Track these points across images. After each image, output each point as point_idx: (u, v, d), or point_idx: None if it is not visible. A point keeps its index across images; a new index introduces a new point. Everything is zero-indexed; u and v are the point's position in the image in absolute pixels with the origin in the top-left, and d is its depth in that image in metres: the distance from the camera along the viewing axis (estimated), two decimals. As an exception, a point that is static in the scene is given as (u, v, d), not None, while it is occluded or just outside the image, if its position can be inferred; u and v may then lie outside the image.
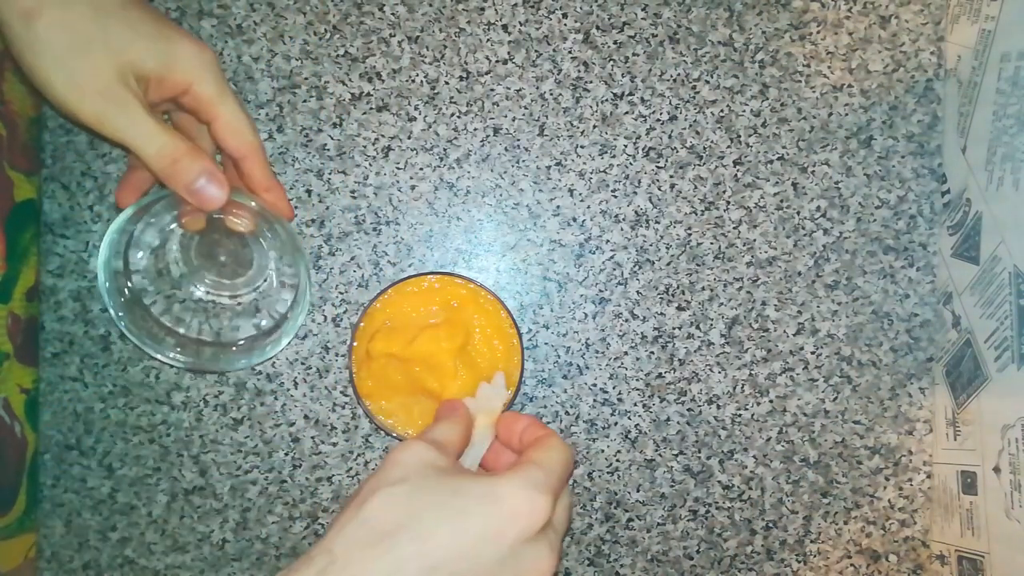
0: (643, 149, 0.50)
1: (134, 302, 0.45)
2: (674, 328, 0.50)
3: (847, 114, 0.50)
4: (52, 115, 0.48)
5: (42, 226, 0.49)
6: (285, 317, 0.46)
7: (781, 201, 0.50)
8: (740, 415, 0.50)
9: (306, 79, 0.49)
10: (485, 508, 0.31)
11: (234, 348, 0.46)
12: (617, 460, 0.50)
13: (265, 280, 0.47)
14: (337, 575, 0.28)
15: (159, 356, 0.45)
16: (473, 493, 0.31)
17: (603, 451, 0.50)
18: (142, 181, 0.44)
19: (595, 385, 0.50)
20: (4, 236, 0.45)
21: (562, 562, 0.50)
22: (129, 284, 0.45)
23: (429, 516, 0.30)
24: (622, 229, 0.50)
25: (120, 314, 0.44)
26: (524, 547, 0.31)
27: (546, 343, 0.50)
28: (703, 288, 0.50)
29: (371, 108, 0.49)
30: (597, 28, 0.49)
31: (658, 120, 0.50)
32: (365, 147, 0.49)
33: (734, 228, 0.50)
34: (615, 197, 0.50)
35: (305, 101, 0.49)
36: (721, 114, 0.50)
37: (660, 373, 0.50)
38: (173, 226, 0.45)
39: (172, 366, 0.47)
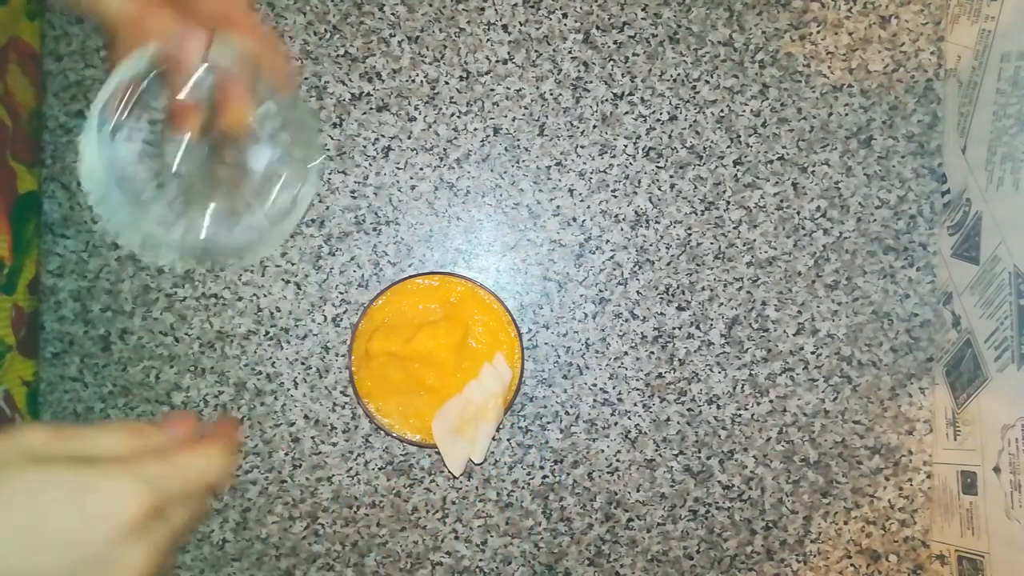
0: (643, 149, 0.50)
1: (129, 203, 0.43)
2: (674, 328, 0.50)
3: (847, 114, 0.50)
4: (52, 115, 0.48)
5: (42, 226, 0.49)
6: (294, 203, 0.44)
7: (781, 201, 0.50)
8: (740, 415, 0.50)
9: (306, 79, 0.49)
10: (68, 507, 0.28)
11: (236, 234, 0.45)
12: (617, 460, 0.50)
13: (269, 176, 0.45)
14: None
15: (160, 259, 0.43)
16: (63, 487, 0.28)
17: (603, 451, 0.50)
18: None
19: (595, 385, 0.50)
20: (9, 227, 0.45)
21: (562, 562, 0.50)
22: (123, 181, 0.43)
23: (7, 511, 0.27)
24: (622, 229, 0.50)
25: (113, 218, 0.42)
26: (114, 549, 0.28)
27: (546, 343, 0.50)
28: (703, 288, 0.50)
29: (371, 108, 0.49)
30: (597, 28, 0.49)
31: (658, 120, 0.50)
32: (365, 147, 0.49)
33: (734, 228, 0.50)
34: (615, 197, 0.50)
35: (305, 101, 0.49)
36: (721, 114, 0.50)
37: (660, 373, 0.50)
38: (165, 124, 0.43)
39: (175, 268, 0.47)
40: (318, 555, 0.49)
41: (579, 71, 0.49)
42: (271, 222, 0.43)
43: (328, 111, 0.49)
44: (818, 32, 0.50)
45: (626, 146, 0.50)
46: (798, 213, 0.50)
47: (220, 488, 0.35)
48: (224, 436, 0.35)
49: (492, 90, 0.49)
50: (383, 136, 0.49)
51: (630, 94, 0.50)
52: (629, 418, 0.50)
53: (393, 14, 0.49)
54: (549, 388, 0.50)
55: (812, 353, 0.50)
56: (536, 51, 0.49)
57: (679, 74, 0.50)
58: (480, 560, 0.50)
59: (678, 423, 0.50)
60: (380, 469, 0.49)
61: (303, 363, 0.49)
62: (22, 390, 0.47)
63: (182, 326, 0.49)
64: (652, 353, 0.50)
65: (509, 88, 0.49)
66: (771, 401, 0.50)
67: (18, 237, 0.46)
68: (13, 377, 0.46)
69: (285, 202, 0.43)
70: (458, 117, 0.49)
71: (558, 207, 0.50)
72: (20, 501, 0.27)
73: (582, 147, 0.50)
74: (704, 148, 0.50)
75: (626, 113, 0.50)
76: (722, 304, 0.50)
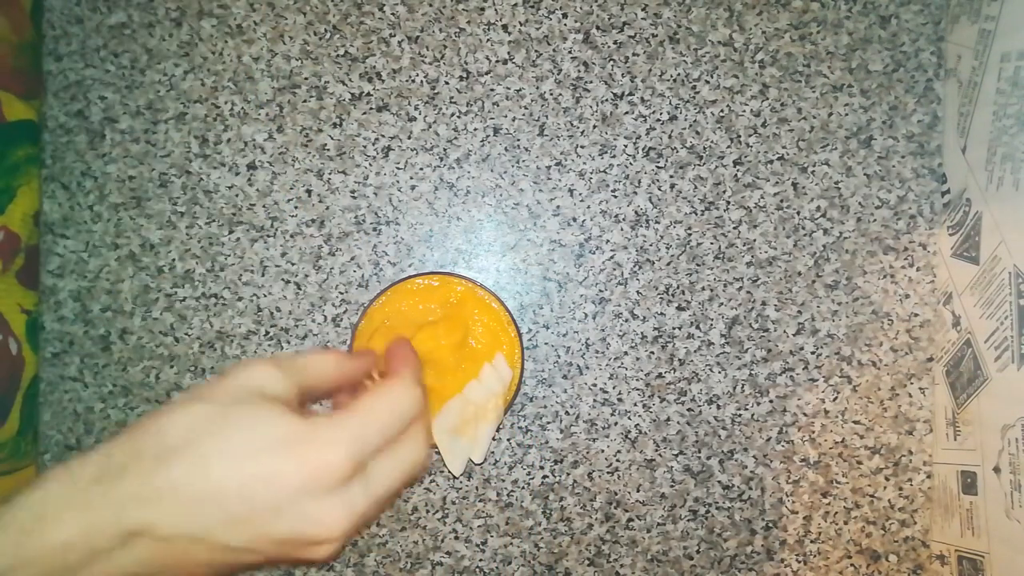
0: (643, 149, 0.50)
1: None
2: (674, 328, 0.50)
3: (847, 114, 0.50)
4: (52, 115, 0.48)
5: (42, 226, 0.49)
6: None
7: (781, 201, 0.50)
8: (740, 415, 0.50)
9: (306, 79, 0.49)
10: (273, 450, 0.28)
11: None
12: (617, 460, 0.50)
13: None
14: (110, 483, 0.27)
15: None
16: (271, 433, 0.29)
17: (603, 451, 0.50)
18: None
19: (595, 385, 0.50)
20: None
21: (562, 562, 0.50)
22: None
23: (216, 442, 0.28)
24: (622, 229, 0.50)
25: None
26: (310, 500, 0.29)
27: (546, 343, 0.50)
28: (703, 288, 0.50)
29: (371, 108, 0.49)
30: (597, 28, 0.49)
31: (658, 120, 0.50)
32: (365, 147, 0.49)
33: (734, 228, 0.50)
34: (615, 197, 0.50)
35: (305, 101, 0.49)
36: (721, 114, 0.50)
37: (660, 373, 0.50)
38: None
39: None
40: (318, 555, 0.49)
41: (579, 71, 0.49)
42: None
43: (328, 111, 0.49)
44: (818, 32, 0.50)
45: (626, 146, 0.50)
46: (798, 213, 0.50)
47: (422, 443, 0.33)
48: (400, 365, 0.35)
49: (492, 90, 0.49)
50: (383, 136, 0.49)
51: (630, 94, 0.50)
52: (629, 418, 0.50)
53: (393, 14, 0.49)
54: (549, 388, 0.50)
55: (812, 353, 0.50)
56: (536, 51, 0.49)
57: (679, 74, 0.50)
58: (480, 560, 0.50)
59: (678, 423, 0.50)
60: (380, 469, 0.49)
61: (303, 363, 0.49)
62: (20, 317, 0.47)
63: (182, 326, 0.49)
64: (652, 353, 0.50)
65: (509, 88, 0.49)
66: (771, 401, 0.50)
67: (2, 160, 0.46)
68: (10, 303, 0.46)
69: None
70: (458, 117, 0.49)
71: (558, 207, 0.50)
72: (241, 435, 0.29)
73: (582, 147, 0.50)
74: (704, 148, 0.50)
75: (626, 113, 0.50)
76: (722, 304, 0.50)
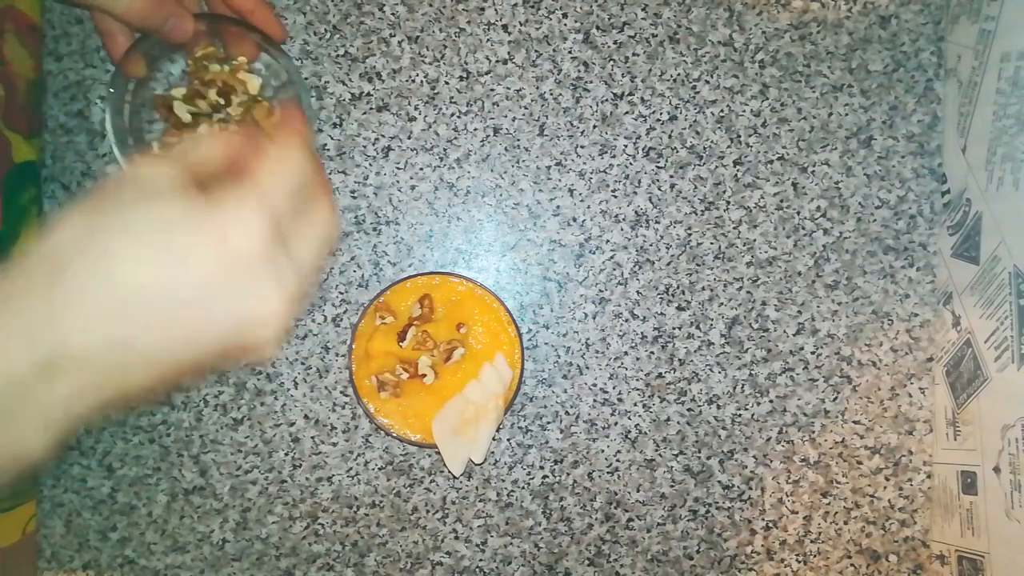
0: (643, 149, 0.50)
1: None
2: (674, 328, 0.50)
3: (847, 114, 0.50)
4: (52, 114, 0.48)
5: (42, 226, 0.49)
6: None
7: (781, 201, 0.50)
8: (740, 415, 0.50)
9: (306, 79, 0.49)
10: (182, 227, 0.26)
11: None
12: (617, 460, 0.50)
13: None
14: (7, 317, 0.24)
15: None
16: (173, 212, 0.26)
17: (603, 451, 0.50)
18: (124, 42, 0.44)
19: (595, 385, 0.50)
20: (2, 194, 0.45)
21: (562, 562, 0.50)
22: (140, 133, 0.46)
23: (112, 238, 0.25)
24: (622, 229, 0.50)
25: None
26: (240, 273, 0.26)
27: (546, 343, 0.50)
28: (703, 288, 0.50)
29: (371, 108, 0.49)
30: (597, 28, 0.49)
31: (658, 120, 0.50)
32: (365, 147, 0.49)
33: (734, 228, 0.50)
34: (615, 197, 0.50)
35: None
36: (721, 114, 0.50)
37: (660, 373, 0.50)
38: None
39: None
40: (318, 555, 0.49)
41: (579, 71, 0.49)
42: None
43: (328, 111, 0.49)
44: (818, 32, 0.50)
45: (626, 146, 0.50)
46: (798, 213, 0.50)
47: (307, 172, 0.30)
48: (289, 129, 0.32)
49: (492, 90, 0.49)
50: (383, 136, 0.49)
51: (630, 94, 0.50)
52: (629, 418, 0.50)
53: (393, 14, 0.49)
54: (549, 388, 0.50)
55: (812, 353, 0.50)
56: (536, 51, 0.49)
57: (679, 74, 0.50)
58: (480, 560, 0.50)
59: (678, 423, 0.50)
60: (380, 469, 0.49)
61: (303, 363, 0.49)
62: None
63: (182, 326, 0.49)
64: (652, 353, 0.50)
65: (509, 88, 0.49)
66: (771, 401, 0.50)
67: (11, 204, 0.46)
68: None
69: None
70: (458, 117, 0.49)
71: (558, 207, 0.50)
72: (146, 230, 0.26)
73: (582, 147, 0.50)
74: (704, 148, 0.50)
75: (626, 113, 0.50)
76: (722, 304, 0.50)
